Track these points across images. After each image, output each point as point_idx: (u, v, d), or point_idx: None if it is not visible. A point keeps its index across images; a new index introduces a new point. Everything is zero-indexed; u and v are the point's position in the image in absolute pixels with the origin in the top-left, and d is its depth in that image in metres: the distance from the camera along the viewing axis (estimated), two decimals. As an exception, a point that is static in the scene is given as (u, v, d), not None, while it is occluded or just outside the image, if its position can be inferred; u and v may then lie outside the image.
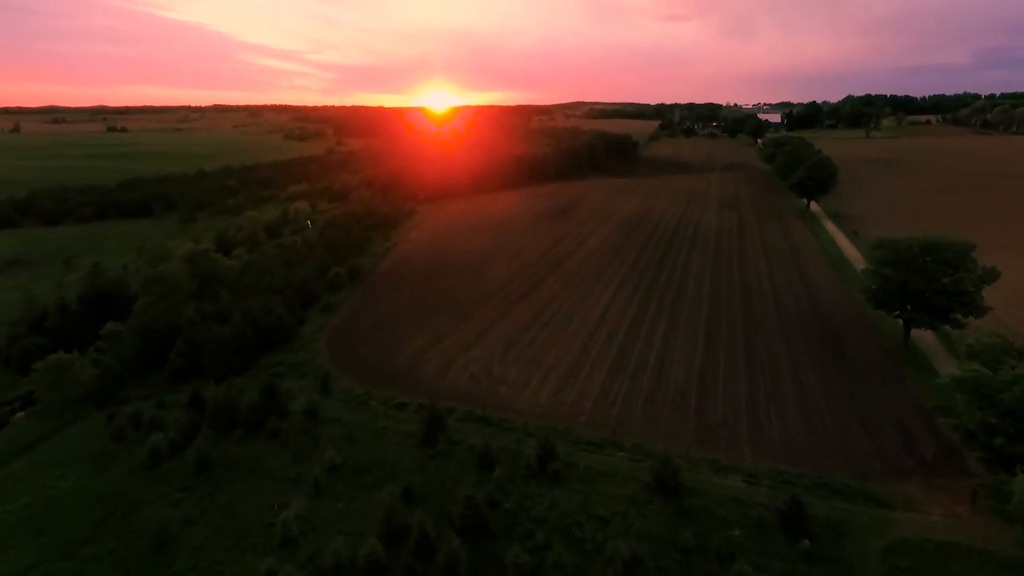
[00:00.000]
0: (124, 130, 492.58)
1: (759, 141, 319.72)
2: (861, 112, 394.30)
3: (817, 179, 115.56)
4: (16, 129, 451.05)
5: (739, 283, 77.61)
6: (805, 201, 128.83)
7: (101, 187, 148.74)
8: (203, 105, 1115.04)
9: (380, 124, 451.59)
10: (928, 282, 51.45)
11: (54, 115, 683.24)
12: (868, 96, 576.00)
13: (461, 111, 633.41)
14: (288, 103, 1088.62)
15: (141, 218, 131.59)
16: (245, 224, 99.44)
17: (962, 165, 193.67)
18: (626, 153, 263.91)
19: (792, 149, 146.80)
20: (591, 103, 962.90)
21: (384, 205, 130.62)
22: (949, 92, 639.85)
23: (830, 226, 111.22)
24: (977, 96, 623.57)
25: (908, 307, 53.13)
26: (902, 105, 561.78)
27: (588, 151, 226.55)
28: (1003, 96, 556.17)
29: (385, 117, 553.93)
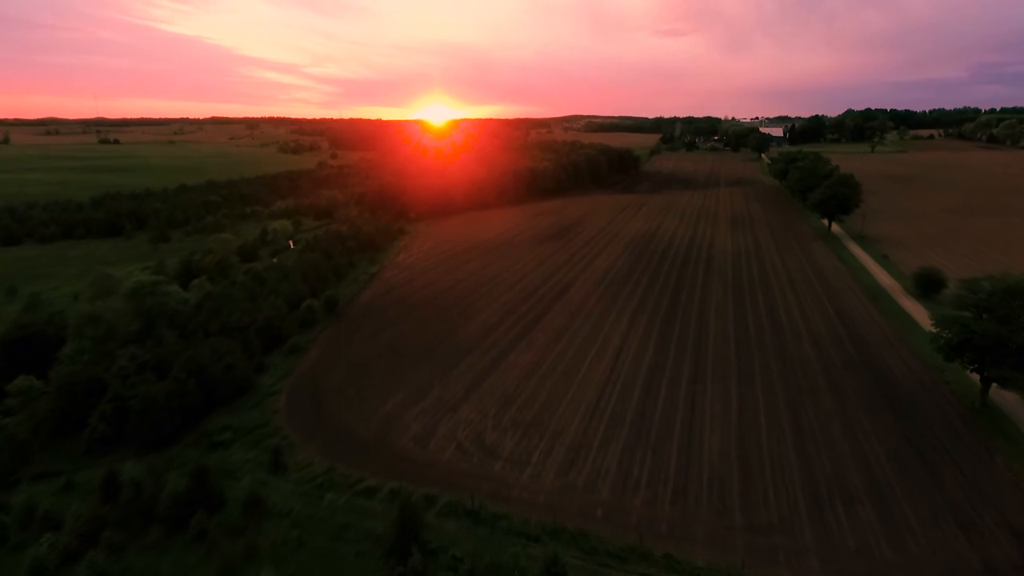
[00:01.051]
0: (116, 142, 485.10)
1: (763, 156, 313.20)
2: (865, 126, 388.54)
3: (840, 198, 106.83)
4: (5, 141, 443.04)
5: (767, 319, 68.20)
6: (825, 221, 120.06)
7: (70, 203, 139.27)
8: (201, 117, 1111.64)
9: (377, 137, 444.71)
10: (1019, 333, 42.09)
11: (47, 127, 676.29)
12: (869, 110, 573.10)
13: (459, 124, 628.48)
14: (287, 116, 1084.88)
15: (110, 237, 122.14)
16: (215, 247, 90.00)
17: (980, 182, 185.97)
18: (628, 168, 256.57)
19: (807, 165, 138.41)
20: (589, 116, 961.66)
21: (372, 224, 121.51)
22: (944, 107, 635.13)
23: (856, 249, 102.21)
24: (977, 110, 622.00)
25: (991, 362, 43.64)
26: (903, 119, 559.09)
27: (589, 166, 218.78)
28: (1004, 111, 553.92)
29: (382, 130, 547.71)
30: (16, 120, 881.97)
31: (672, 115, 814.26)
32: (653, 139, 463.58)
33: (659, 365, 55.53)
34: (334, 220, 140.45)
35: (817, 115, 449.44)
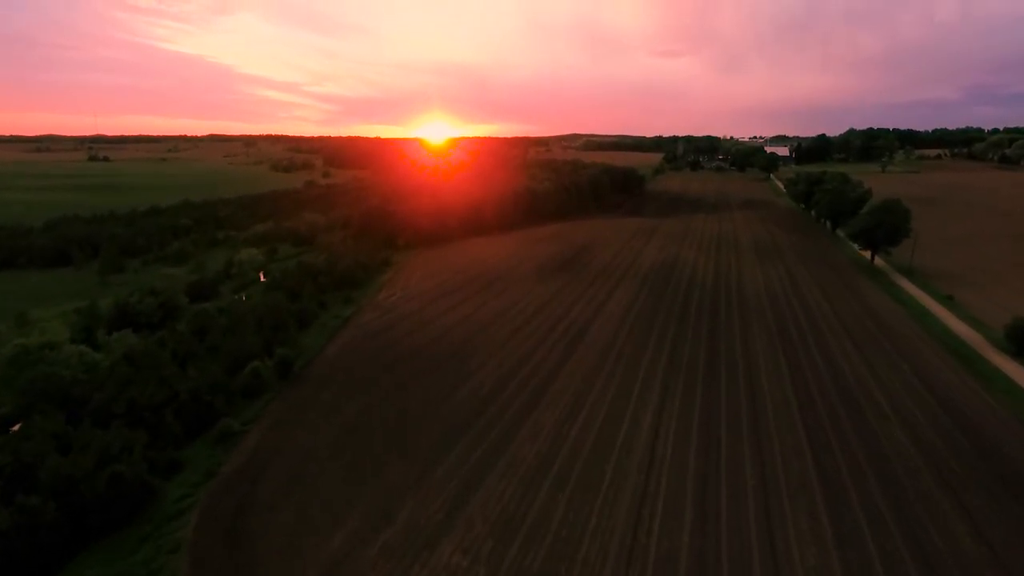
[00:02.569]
0: (107, 159, 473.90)
1: (772, 176, 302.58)
2: (872, 145, 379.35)
3: (887, 227, 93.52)
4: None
5: (834, 387, 54.12)
6: (864, 252, 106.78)
7: (18, 227, 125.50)
8: (199, 135, 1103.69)
9: (373, 154, 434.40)
10: None
11: (37, 144, 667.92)
12: (872, 129, 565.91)
13: (458, 142, 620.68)
14: (286, 133, 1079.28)
15: (58, 267, 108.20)
16: (159, 285, 75.92)
17: (1011, 205, 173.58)
18: (632, 188, 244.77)
19: (836, 187, 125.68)
20: (587, 135, 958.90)
21: (355, 252, 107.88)
22: (939, 126, 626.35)
23: (909, 287, 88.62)
24: (980, 130, 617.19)
25: None
26: (906, 139, 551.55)
27: (592, 186, 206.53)
28: (1008, 130, 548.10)
29: (379, 148, 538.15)
30: (16, 137, 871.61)
31: (671, 134, 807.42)
32: (654, 158, 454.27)
33: (711, 466, 41.21)
34: (314, 247, 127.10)
35: (822, 135, 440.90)
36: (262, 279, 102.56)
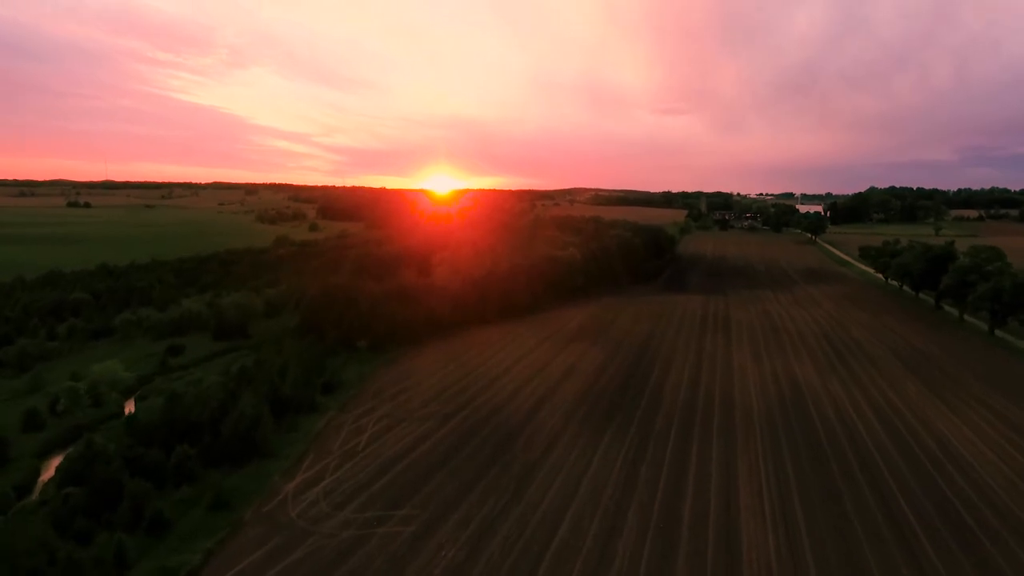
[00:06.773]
0: (88, 205, 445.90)
1: (817, 239, 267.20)
2: (917, 205, 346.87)
3: None
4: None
5: None
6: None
7: None
8: (204, 182, 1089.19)
9: (371, 205, 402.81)
10: None
11: (23, 188, 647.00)
12: (894, 188, 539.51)
13: (463, 194, 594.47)
14: (292, 182, 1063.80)
15: None
16: None
17: None
18: (662, 251, 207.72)
19: (997, 270, 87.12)
20: (594, 189, 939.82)
21: (286, 362, 68.26)
22: (937, 187, 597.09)
23: None
24: (1007, 190, 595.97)
25: None
26: (930, 198, 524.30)
27: (622, 251, 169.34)
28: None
29: (379, 197, 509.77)
30: (26, 180, 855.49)
31: (679, 189, 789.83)
32: (671, 214, 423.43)
33: None
34: (244, 344, 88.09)
35: (859, 193, 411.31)
36: (128, 412, 62.84)
